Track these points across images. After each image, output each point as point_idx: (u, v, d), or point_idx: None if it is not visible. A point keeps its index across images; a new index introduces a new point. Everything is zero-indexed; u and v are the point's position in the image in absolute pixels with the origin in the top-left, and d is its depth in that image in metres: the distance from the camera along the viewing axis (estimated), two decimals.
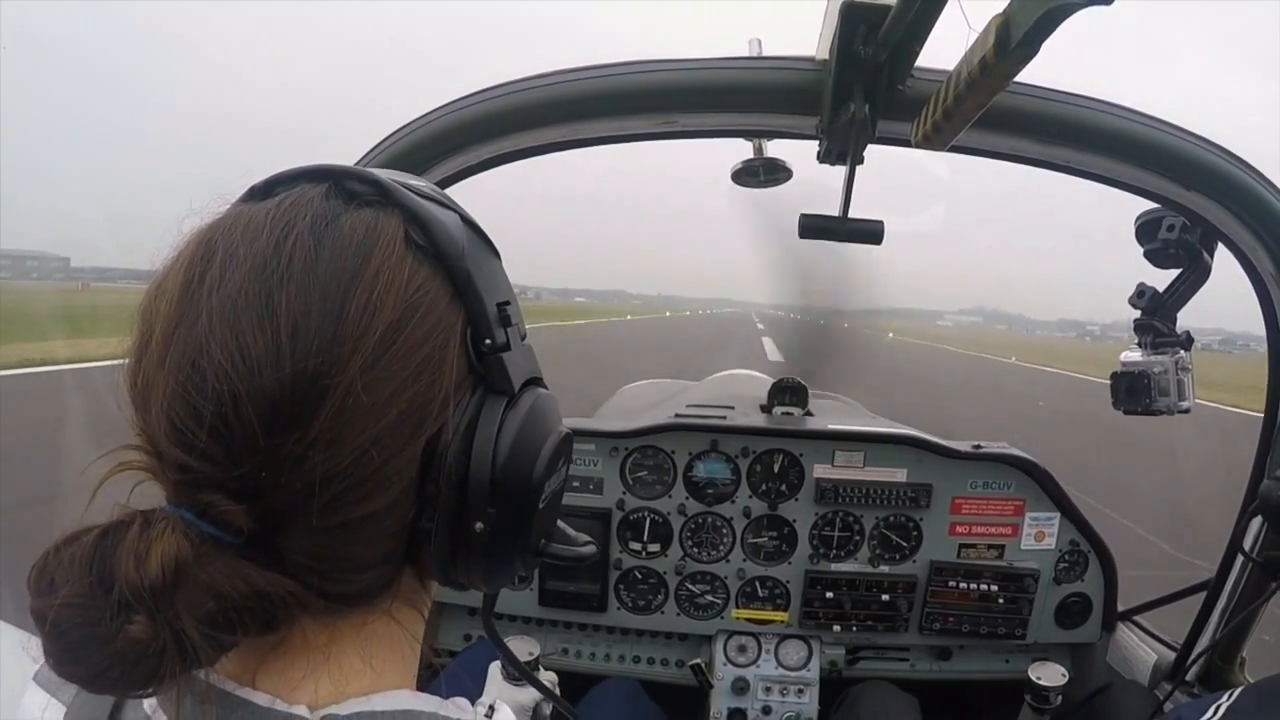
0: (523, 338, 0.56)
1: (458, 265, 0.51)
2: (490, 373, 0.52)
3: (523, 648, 1.46)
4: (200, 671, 0.46)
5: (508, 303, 0.54)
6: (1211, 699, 0.88)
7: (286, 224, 0.47)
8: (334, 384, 0.44)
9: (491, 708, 0.67)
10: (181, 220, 0.51)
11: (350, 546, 0.48)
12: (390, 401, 0.46)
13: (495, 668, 1.37)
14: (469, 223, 0.55)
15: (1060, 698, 1.54)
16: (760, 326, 43.20)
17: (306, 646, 0.50)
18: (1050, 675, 1.54)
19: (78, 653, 0.42)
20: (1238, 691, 0.88)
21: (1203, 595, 1.58)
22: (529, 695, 1.33)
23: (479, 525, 0.51)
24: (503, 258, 0.58)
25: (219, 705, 0.47)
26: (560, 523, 0.64)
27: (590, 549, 0.64)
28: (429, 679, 0.58)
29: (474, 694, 1.31)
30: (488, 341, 0.52)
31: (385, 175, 0.52)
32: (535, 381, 0.58)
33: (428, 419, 0.49)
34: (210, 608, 0.43)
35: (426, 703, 0.52)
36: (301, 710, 0.47)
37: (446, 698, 0.55)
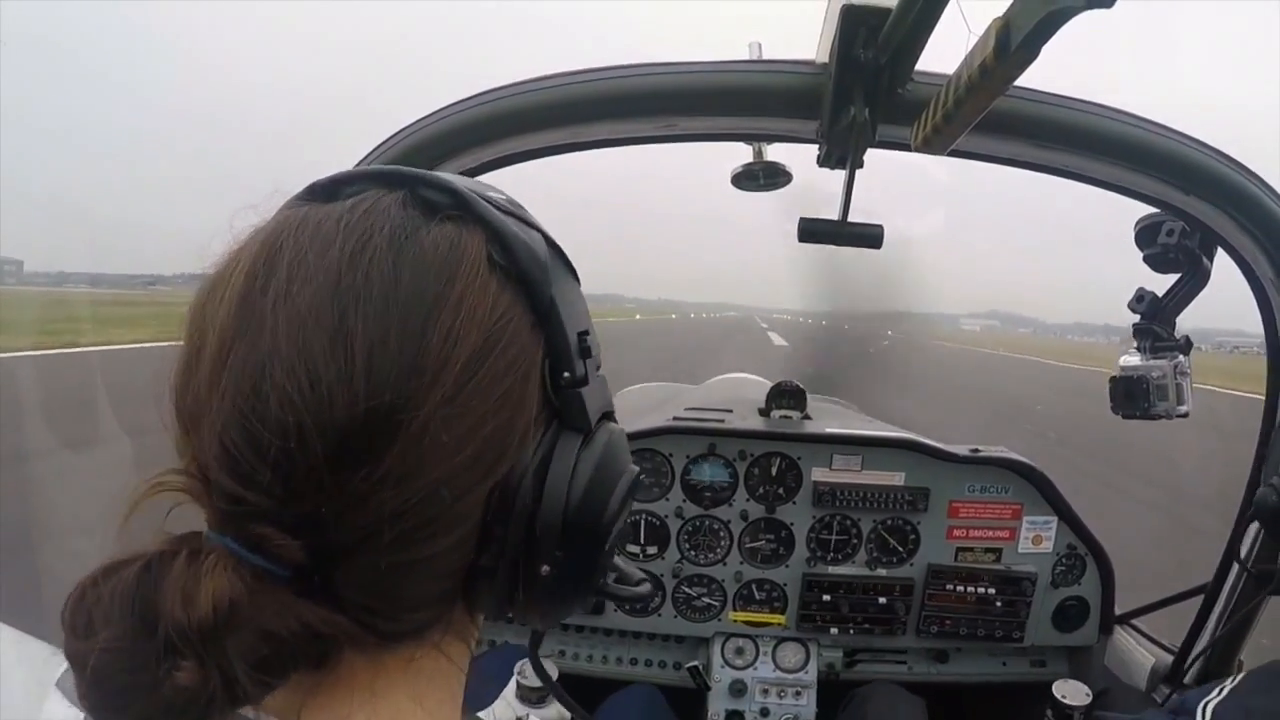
0: (598, 368, 0.53)
1: (542, 292, 0.47)
2: (567, 407, 0.49)
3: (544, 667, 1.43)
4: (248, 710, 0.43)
5: (587, 332, 0.51)
6: (1215, 684, 0.89)
7: (362, 235, 0.43)
8: (410, 419, 0.41)
9: None
10: (232, 216, 0.47)
11: (409, 585, 0.45)
12: (467, 438, 0.43)
13: (511, 687, 1.35)
14: (551, 243, 0.51)
15: (1083, 717, 1.54)
16: (780, 344, 28.41)
17: (353, 682, 0.47)
18: (1074, 693, 1.53)
19: (120, 701, 0.39)
20: (1242, 675, 0.88)
21: (1200, 599, 1.58)
22: (546, 715, 1.31)
23: (545, 568, 0.48)
24: None
25: None
26: (617, 557, 0.61)
27: (646, 588, 0.61)
28: None
29: (487, 700, 1.30)
30: (566, 374, 0.48)
31: (464, 185, 0.48)
32: (608, 416, 0.54)
33: (505, 456, 0.46)
34: (264, 651, 0.40)
35: None
36: None
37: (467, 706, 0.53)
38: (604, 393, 0.53)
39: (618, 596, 0.58)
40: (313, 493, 0.41)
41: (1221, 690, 0.86)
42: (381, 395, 0.41)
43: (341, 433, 0.40)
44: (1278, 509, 0.95)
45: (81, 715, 0.51)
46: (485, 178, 1.19)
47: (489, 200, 0.48)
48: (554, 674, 1.41)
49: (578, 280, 0.53)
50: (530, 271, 0.47)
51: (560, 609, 0.53)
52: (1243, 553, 1.39)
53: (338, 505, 0.41)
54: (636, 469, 0.55)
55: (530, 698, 1.30)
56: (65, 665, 0.52)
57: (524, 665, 1.44)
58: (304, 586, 0.42)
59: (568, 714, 0.90)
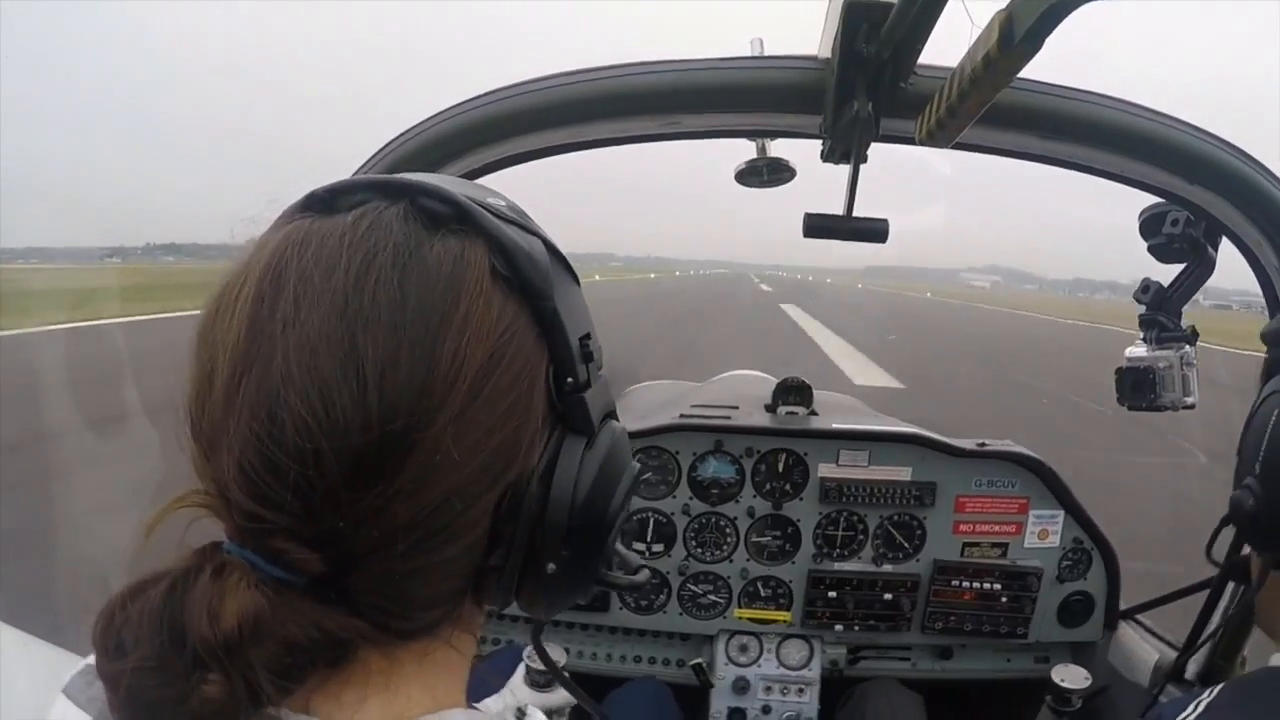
0: (599, 370, 0.54)
1: (545, 302, 0.48)
2: (571, 412, 0.50)
3: (551, 655, 1.45)
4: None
5: (589, 336, 0.52)
6: (1193, 696, 0.87)
7: (366, 254, 0.43)
8: (421, 437, 0.42)
9: (521, 711, 0.67)
10: (232, 226, 0.48)
11: (422, 587, 0.47)
12: (476, 450, 0.44)
13: (519, 675, 1.37)
14: (551, 249, 0.51)
15: (1081, 701, 1.53)
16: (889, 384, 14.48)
17: (367, 674, 0.48)
18: (1073, 677, 1.53)
19: (151, 714, 0.41)
20: (1219, 688, 0.87)
21: (1205, 594, 1.57)
22: (553, 700, 1.34)
23: (551, 566, 0.50)
24: None
25: None
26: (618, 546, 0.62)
27: (644, 576, 0.63)
28: None
29: (494, 690, 1.32)
30: (569, 380, 0.49)
31: (463, 193, 0.48)
32: (609, 415, 0.55)
33: (512, 464, 0.47)
34: (286, 659, 0.42)
35: (479, 719, 0.52)
36: None
37: (473, 697, 0.54)
38: (605, 394, 0.55)
39: (617, 585, 0.60)
40: (330, 511, 0.42)
41: (1198, 705, 0.85)
42: (394, 418, 0.42)
43: (357, 455, 0.41)
44: (1254, 513, 0.92)
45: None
46: (488, 179, 1.19)
47: (489, 209, 0.48)
48: (561, 659, 1.42)
49: (578, 283, 0.54)
50: (533, 282, 0.48)
51: (565, 600, 0.54)
52: (1234, 552, 1.36)
53: (354, 520, 0.43)
54: (638, 465, 0.57)
55: (539, 681, 1.33)
56: (74, 670, 0.52)
57: (533, 650, 1.46)
58: (321, 594, 0.44)
59: (572, 699, 0.91)
